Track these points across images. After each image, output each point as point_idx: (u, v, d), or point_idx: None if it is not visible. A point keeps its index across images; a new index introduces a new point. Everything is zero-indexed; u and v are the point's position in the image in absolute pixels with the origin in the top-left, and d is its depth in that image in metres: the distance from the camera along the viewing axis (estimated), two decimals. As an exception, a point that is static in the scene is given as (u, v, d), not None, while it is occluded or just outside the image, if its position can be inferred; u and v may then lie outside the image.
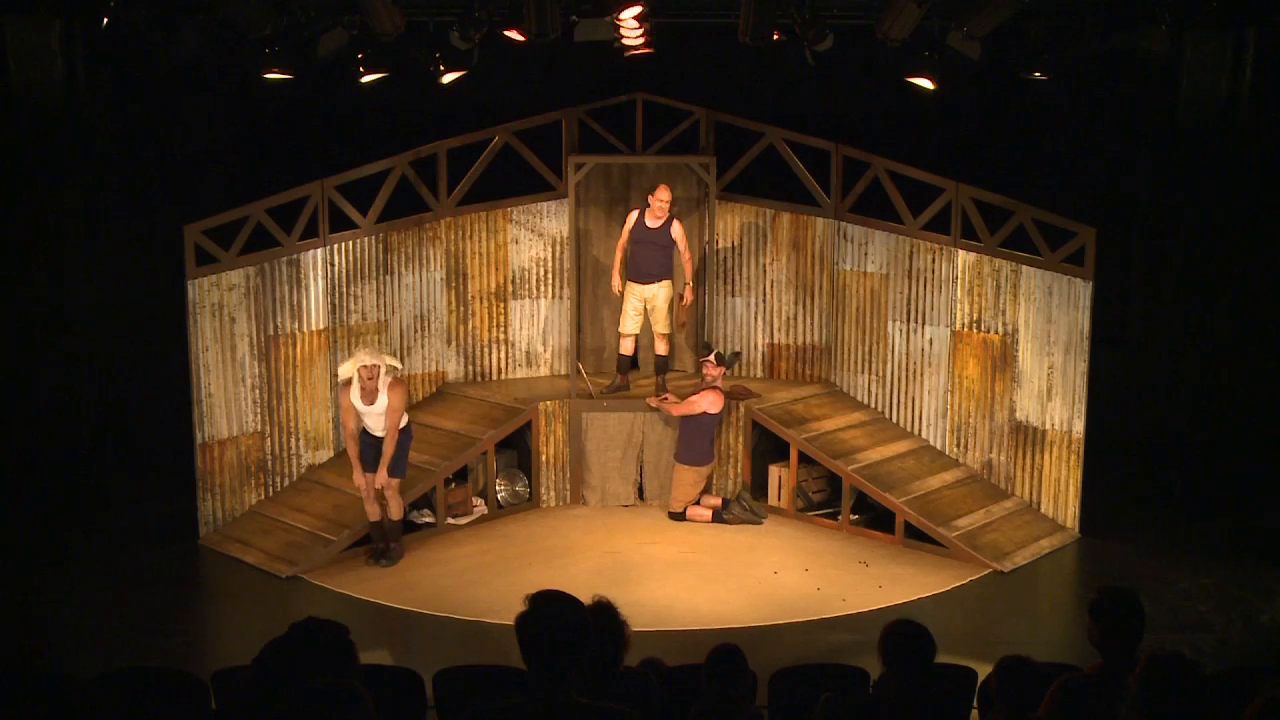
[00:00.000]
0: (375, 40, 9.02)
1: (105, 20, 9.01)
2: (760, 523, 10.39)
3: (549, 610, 3.52)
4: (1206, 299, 11.48)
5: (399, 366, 9.57)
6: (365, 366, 9.12)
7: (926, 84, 9.38)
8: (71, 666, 6.79)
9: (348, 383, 9.27)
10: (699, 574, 9.37)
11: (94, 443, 11.08)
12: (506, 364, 11.48)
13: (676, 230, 10.59)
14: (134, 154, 11.28)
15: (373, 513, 9.42)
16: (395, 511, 9.50)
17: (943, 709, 4.69)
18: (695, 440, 10.37)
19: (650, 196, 10.56)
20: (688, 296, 10.87)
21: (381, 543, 9.48)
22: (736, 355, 10.96)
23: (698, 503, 10.44)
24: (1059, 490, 10.11)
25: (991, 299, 10.31)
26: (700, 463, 10.41)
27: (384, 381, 9.21)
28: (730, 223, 11.41)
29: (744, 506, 10.41)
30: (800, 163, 11.03)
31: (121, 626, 8.32)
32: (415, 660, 6.94)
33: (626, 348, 10.93)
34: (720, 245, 11.33)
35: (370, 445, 9.34)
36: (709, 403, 10.31)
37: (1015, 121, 11.68)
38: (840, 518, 10.33)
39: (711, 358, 10.40)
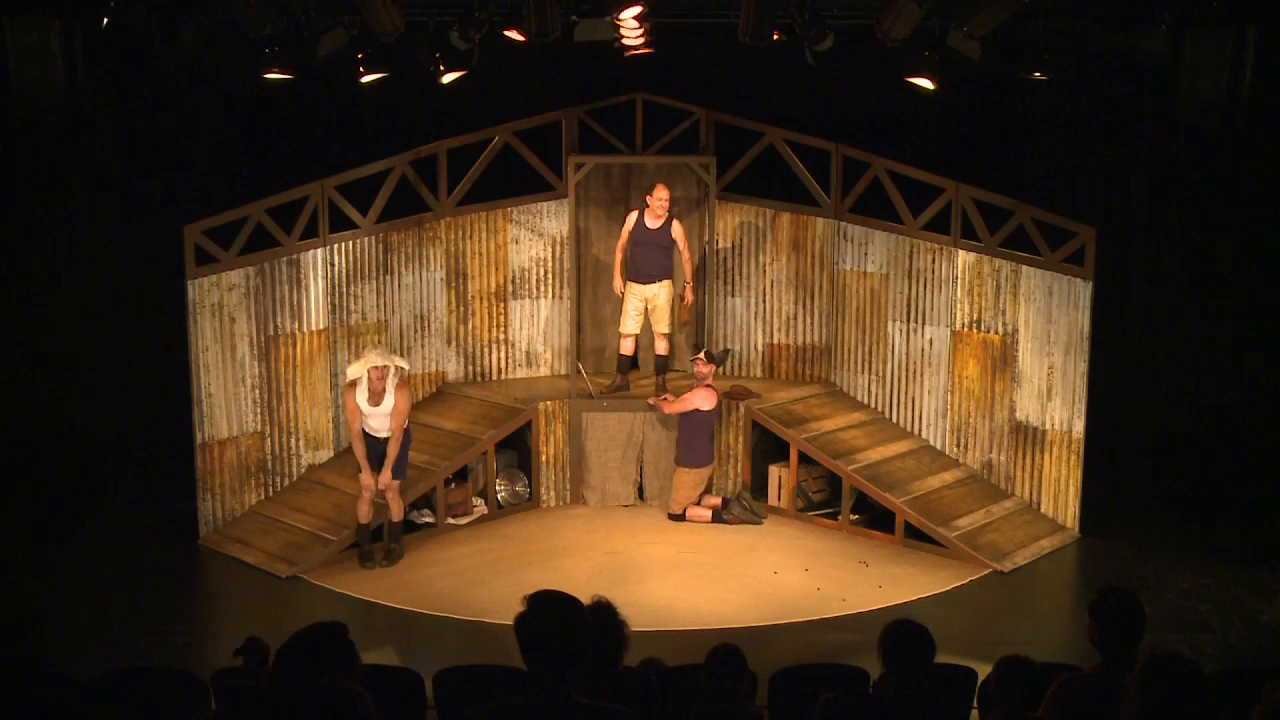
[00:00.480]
0: (375, 40, 9.03)
1: (105, 20, 9.01)
2: (760, 522, 10.39)
3: (547, 610, 3.53)
4: (1206, 299, 11.46)
5: (407, 368, 9.62)
6: (376, 367, 9.13)
7: (926, 84, 9.38)
8: (71, 666, 6.78)
9: (353, 384, 9.26)
10: (699, 574, 9.37)
11: (93, 443, 11.06)
12: (506, 364, 11.48)
13: (676, 230, 10.59)
14: (134, 154, 11.27)
15: (364, 514, 9.40)
16: (396, 513, 9.51)
17: (943, 709, 4.69)
18: (694, 441, 10.37)
19: (649, 196, 10.55)
20: (688, 296, 10.88)
21: (367, 545, 9.46)
22: (726, 353, 10.99)
23: (698, 503, 10.44)
24: (1059, 490, 10.11)
25: (991, 299, 10.31)
26: (700, 464, 10.41)
27: (391, 382, 9.22)
28: (730, 223, 11.41)
29: (744, 506, 10.41)
30: (800, 163, 11.03)
31: (121, 626, 8.32)
32: (415, 660, 6.95)
33: (627, 348, 10.92)
34: (720, 245, 11.33)
35: (371, 447, 9.34)
36: (701, 399, 10.31)
37: (1015, 121, 11.67)
38: (840, 518, 10.33)
39: (701, 356, 10.40)
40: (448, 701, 5.83)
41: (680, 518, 10.40)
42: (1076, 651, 7.11)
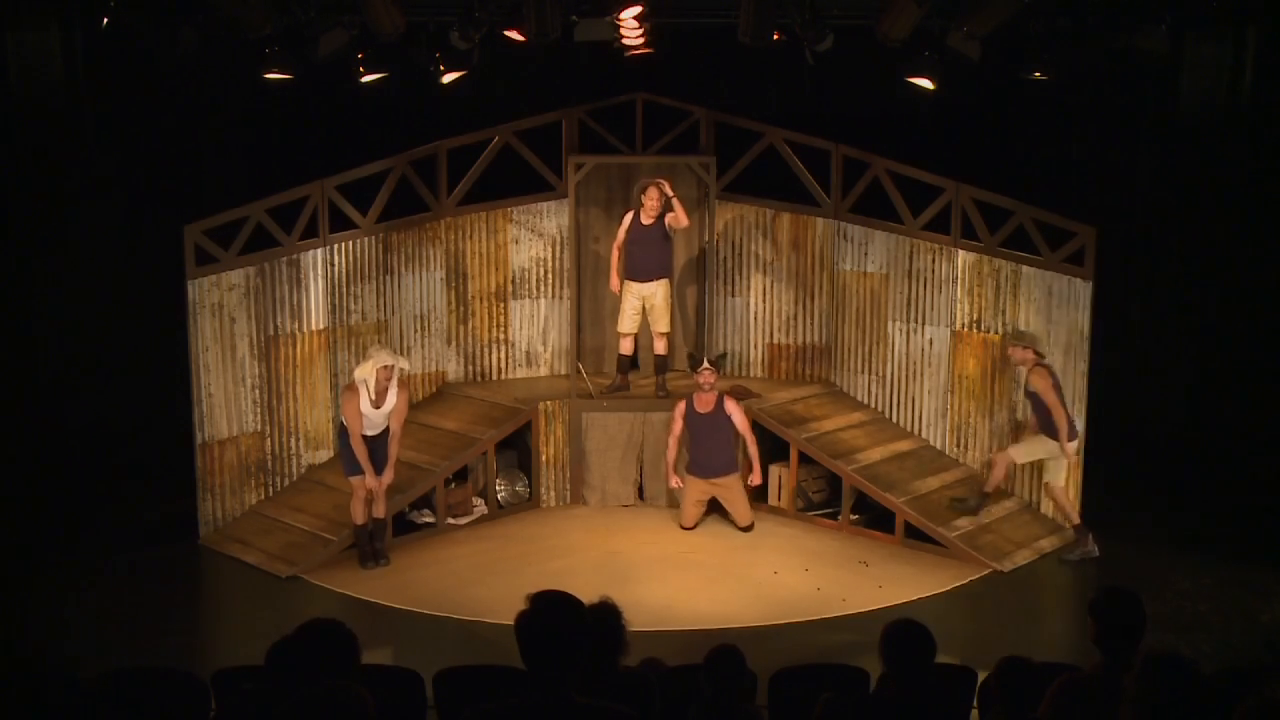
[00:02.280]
0: (375, 40, 9.03)
1: (105, 20, 9.01)
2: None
3: (549, 610, 3.53)
4: (1206, 299, 11.46)
5: (408, 368, 9.62)
6: (386, 367, 9.13)
7: (926, 84, 9.38)
8: (72, 666, 6.78)
9: (352, 387, 9.21)
10: (699, 574, 9.37)
11: (93, 442, 11.07)
12: (506, 364, 11.48)
13: (669, 216, 10.51)
14: (134, 154, 11.27)
15: (360, 515, 9.37)
16: (384, 510, 9.49)
17: (943, 709, 4.69)
18: (733, 446, 10.25)
19: (644, 197, 10.51)
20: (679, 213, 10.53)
21: (368, 546, 9.45)
22: (724, 356, 11.01)
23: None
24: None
25: (991, 299, 10.30)
26: (740, 466, 10.33)
27: (394, 382, 9.22)
28: (730, 223, 11.41)
29: None
30: (800, 163, 11.03)
31: (121, 626, 8.32)
32: (415, 660, 6.94)
33: (625, 347, 10.91)
34: (720, 245, 11.33)
35: (369, 447, 9.32)
36: (740, 410, 10.25)
37: (1015, 121, 11.67)
38: (840, 518, 10.33)
39: (707, 367, 10.17)
40: (448, 701, 5.83)
41: (751, 526, 10.20)
42: (1076, 651, 7.12)
